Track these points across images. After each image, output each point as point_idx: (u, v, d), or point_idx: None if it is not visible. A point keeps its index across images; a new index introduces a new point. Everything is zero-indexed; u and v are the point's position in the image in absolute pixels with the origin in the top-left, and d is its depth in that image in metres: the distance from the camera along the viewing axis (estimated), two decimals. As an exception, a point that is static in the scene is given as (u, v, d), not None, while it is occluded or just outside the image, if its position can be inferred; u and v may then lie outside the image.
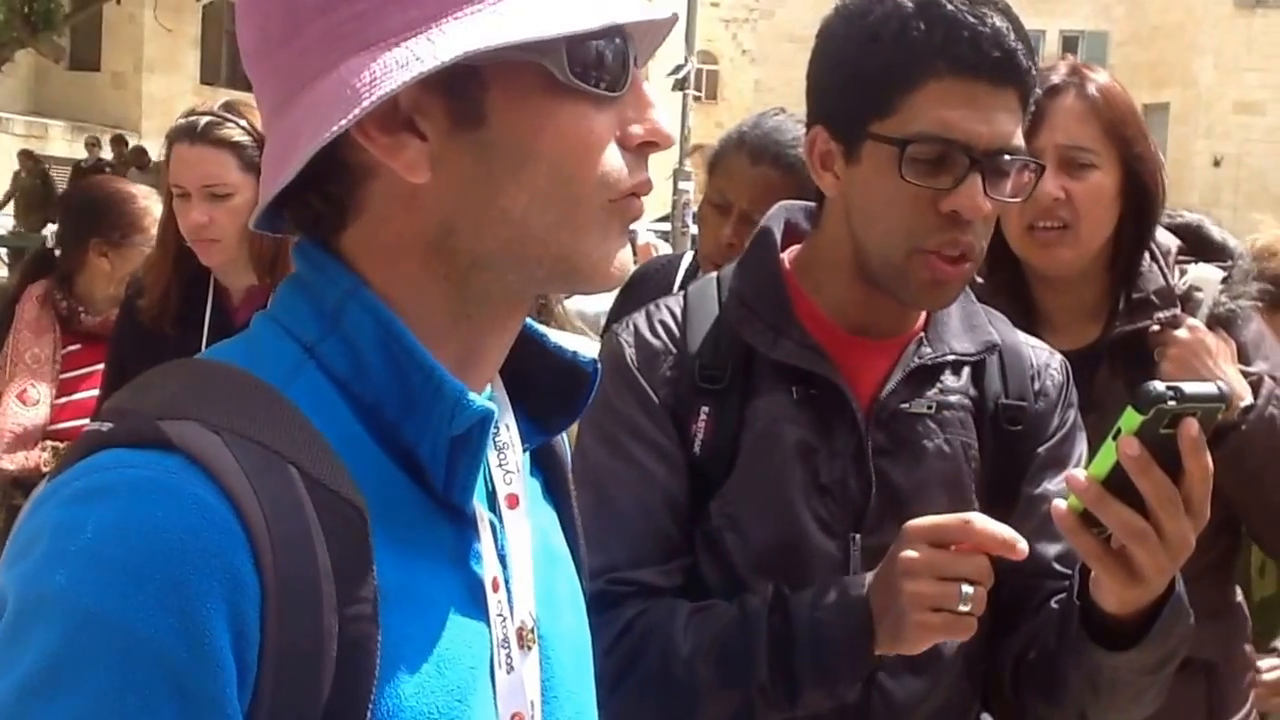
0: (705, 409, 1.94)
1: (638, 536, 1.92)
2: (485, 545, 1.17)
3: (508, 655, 1.16)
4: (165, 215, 3.50)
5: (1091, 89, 2.59)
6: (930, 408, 1.96)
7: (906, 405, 1.95)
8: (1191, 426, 1.45)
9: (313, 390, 1.11)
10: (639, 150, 1.16)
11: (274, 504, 1.00)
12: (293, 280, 1.19)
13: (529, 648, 1.20)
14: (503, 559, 1.20)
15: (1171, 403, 1.43)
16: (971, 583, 1.64)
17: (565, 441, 1.44)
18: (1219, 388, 1.46)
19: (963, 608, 1.62)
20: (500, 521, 1.21)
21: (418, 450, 1.13)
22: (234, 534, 0.97)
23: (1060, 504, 1.56)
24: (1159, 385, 1.43)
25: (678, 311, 2.03)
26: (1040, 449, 2.02)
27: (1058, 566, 1.93)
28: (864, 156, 1.87)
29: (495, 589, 1.17)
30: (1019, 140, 1.85)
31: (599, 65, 1.11)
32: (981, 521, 1.66)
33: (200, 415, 1.02)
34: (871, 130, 1.85)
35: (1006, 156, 1.83)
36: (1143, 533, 1.51)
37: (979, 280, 2.66)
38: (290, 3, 1.10)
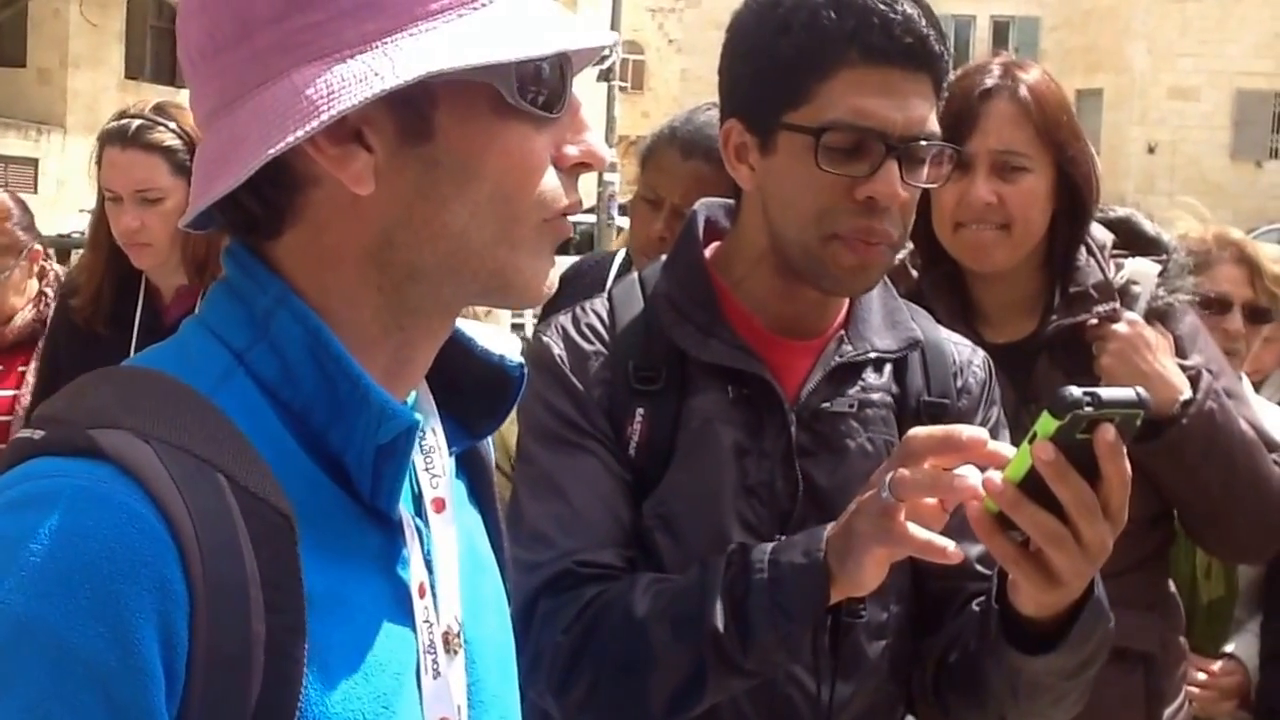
0: (640, 411, 1.93)
1: (596, 521, 1.90)
2: (412, 551, 1.18)
3: (434, 661, 1.17)
4: (97, 216, 3.52)
5: (1023, 91, 2.57)
6: (852, 406, 1.94)
7: (828, 404, 1.93)
8: (1108, 432, 1.41)
9: (241, 397, 1.12)
10: (571, 171, 1.19)
11: (203, 513, 1.00)
12: (222, 285, 1.19)
13: (455, 652, 1.20)
14: (429, 563, 1.20)
15: (1088, 408, 1.39)
16: None
17: (490, 445, 1.44)
18: (1138, 394, 1.41)
19: (884, 494, 1.56)
20: (426, 526, 1.22)
21: (344, 457, 1.14)
22: (164, 543, 0.98)
23: (976, 506, 1.52)
24: (1075, 390, 1.39)
25: (604, 314, 2.01)
26: None
27: (979, 568, 1.90)
28: (779, 147, 1.87)
29: (421, 594, 1.18)
30: (934, 126, 1.85)
31: (542, 87, 1.14)
32: (912, 431, 1.61)
33: (131, 424, 1.03)
34: (786, 120, 1.85)
35: (922, 142, 1.83)
36: (1059, 537, 1.48)
37: (914, 274, 2.66)
38: (240, 7, 1.10)
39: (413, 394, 1.25)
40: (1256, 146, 38.67)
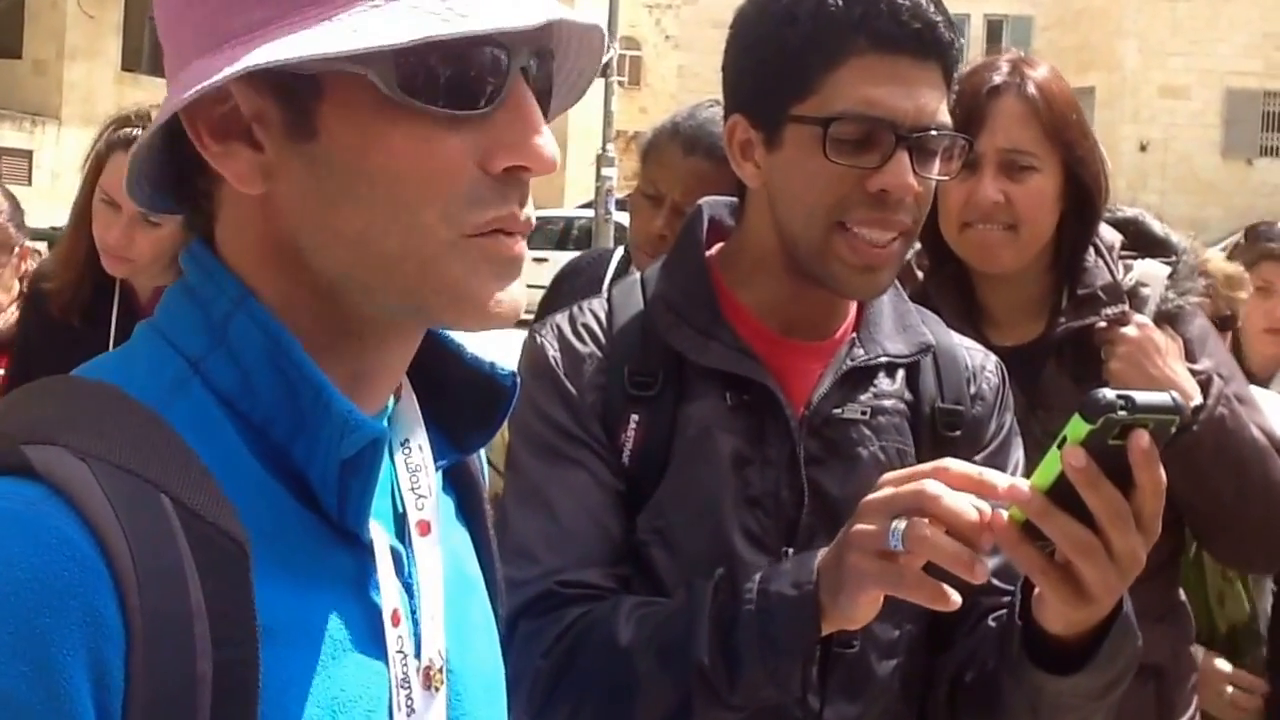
0: (635, 417, 1.86)
1: (583, 538, 1.83)
2: (384, 575, 1.10)
3: (408, 696, 1.09)
4: (81, 206, 3.39)
5: (1031, 89, 2.54)
6: (864, 413, 1.88)
7: (839, 410, 1.87)
8: (1142, 438, 1.35)
9: (196, 410, 1.04)
10: (509, 176, 1.05)
11: (142, 538, 0.93)
12: (180, 287, 1.12)
13: (436, 689, 1.12)
14: (409, 588, 1.13)
15: (1122, 413, 1.32)
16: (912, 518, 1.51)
17: (481, 459, 1.36)
18: (1173, 399, 1.35)
19: (893, 543, 1.49)
20: (409, 549, 1.14)
21: (309, 474, 1.06)
22: (96, 572, 0.90)
23: (1001, 515, 1.45)
24: (1109, 394, 1.33)
25: (602, 315, 1.95)
26: (977, 456, 1.92)
27: (996, 581, 1.83)
28: (786, 141, 1.82)
29: (396, 622, 1.10)
30: (945, 116, 1.80)
31: (448, 80, 1.02)
32: (938, 491, 1.49)
33: (68, 440, 0.95)
34: (792, 113, 1.81)
35: (933, 133, 1.78)
36: (1090, 548, 1.41)
37: (920, 276, 2.62)
38: None
39: (389, 405, 1.17)
40: (1247, 145, 38.67)
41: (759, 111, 1.86)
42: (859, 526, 1.55)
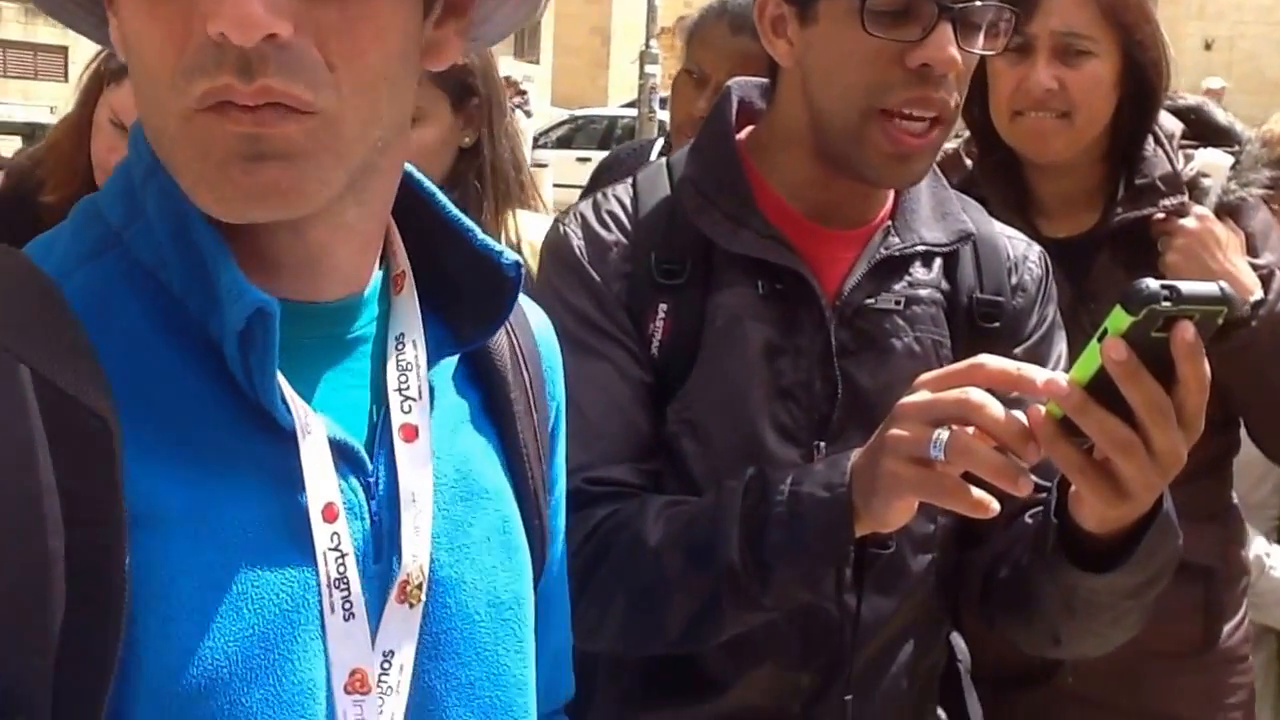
0: (663, 306, 1.80)
1: (609, 433, 1.78)
2: (310, 465, 1.03)
3: (345, 598, 1.02)
4: (79, 116, 3.24)
5: None
6: (898, 303, 1.82)
7: (872, 300, 1.81)
8: (1187, 330, 1.27)
9: (100, 280, 1.01)
10: (224, 40, 0.93)
11: None
12: (124, 160, 1.10)
13: (412, 604, 1.06)
14: (370, 488, 1.07)
15: (1166, 304, 1.25)
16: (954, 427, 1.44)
17: (536, 338, 1.30)
18: (1221, 289, 1.27)
19: (934, 453, 1.43)
20: (383, 452, 1.08)
21: (224, 347, 1.01)
22: None
23: (1039, 409, 1.38)
24: (1152, 283, 1.25)
25: (627, 201, 1.87)
26: (1017, 349, 1.87)
27: (1032, 477, 1.78)
28: (821, 15, 1.74)
29: (331, 518, 1.03)
30: None
31: None
32: (982, 400, 1.42)
33: None
34: None
35: (978, 3, 1.69)
36: (1129, 444, 1.34)
37: (969, 164, 2.54)
38: None
39: (368, 291, 1.11)
40: (1316, 43, 38.18)
41: None
42: (895, 431, 1.49)
